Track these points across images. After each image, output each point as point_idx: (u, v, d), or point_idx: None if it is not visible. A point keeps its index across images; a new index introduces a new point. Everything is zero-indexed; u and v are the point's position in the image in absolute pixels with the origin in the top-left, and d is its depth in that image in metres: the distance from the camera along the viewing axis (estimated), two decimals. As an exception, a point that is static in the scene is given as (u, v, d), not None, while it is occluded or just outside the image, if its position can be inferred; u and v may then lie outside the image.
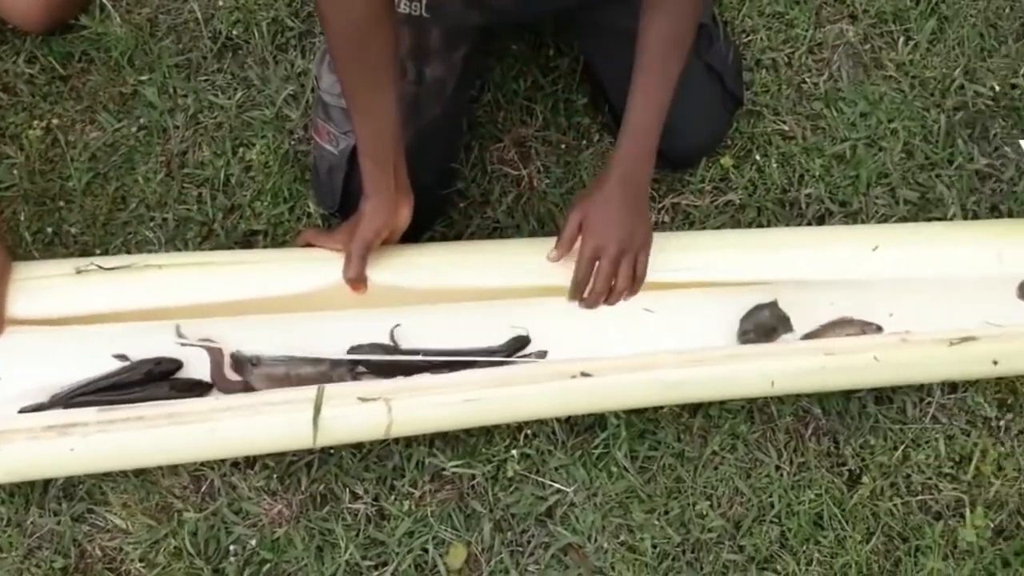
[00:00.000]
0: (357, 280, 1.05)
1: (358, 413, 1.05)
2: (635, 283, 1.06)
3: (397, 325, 1.11)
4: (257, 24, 1.29)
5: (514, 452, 1.15)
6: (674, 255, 1.13)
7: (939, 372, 1.16)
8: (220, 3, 1.29)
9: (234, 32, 1.29)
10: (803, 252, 1.15)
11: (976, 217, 1.30)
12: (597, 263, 1.03)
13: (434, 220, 1.23)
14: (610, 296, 1.05)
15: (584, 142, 1.29)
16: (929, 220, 1.28)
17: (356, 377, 1.10)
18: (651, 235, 1.06)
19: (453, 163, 1.24)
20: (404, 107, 1.07)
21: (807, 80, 1.34)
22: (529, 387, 1.07)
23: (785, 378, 1.11)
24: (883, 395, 1.21)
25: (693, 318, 1.15)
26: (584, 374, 1.08)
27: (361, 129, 1.00)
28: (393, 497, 1.14)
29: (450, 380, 1.06)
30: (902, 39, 1.37)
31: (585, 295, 1.06)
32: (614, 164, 1.03)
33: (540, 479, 1.15)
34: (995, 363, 1.14)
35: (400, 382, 1.07)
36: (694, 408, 1.18)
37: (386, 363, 1.10)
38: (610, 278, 1.04)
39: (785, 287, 1.14)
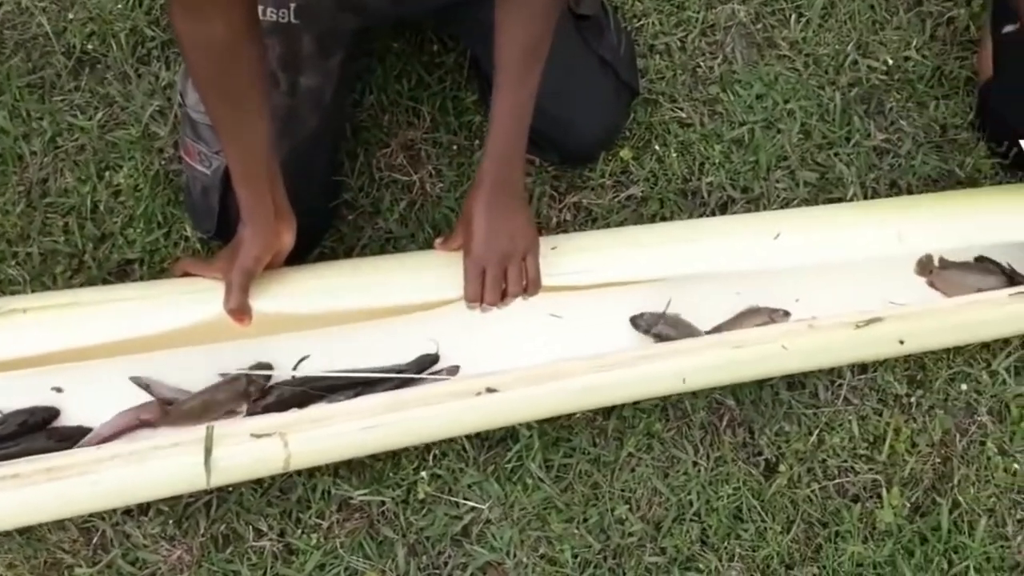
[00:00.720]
0: (239, 311, 0.98)
1: (253, 450, 0.99)
2: (530, 285, 1.02)
3: (306, 356, 1.07)
4: (115, 36, 1.19)
5: (424, 474, 1.10)
6: (575, 257, 1.09)
7: (847, 355, 1.15)
8: (72, 15, 1.19)
9: (90, 46, 1.19)
10: (705, 244, 1.12)
11: (876, 194, 1.29)
12: (483, 273, 1.00)
13: (322, 236, 1.16)
14: (503, 300, 1.02)
15: (477, 142, 1.23)
16: (829, 201, 1.27)
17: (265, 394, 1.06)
18: (535, 235, 1.03)
19: (337, 175, 1.17)
20: (278, 121, 1.00)
21: (701, 64, 1.31)
22: (432, 408, 1.02)
23: (696, 374, 1.09)
24: (795, 380, 1.20)
25: (601, 319, 1.13)
26: (490, 390, 1.04)
27: (231, 153, 0.93)
28: (300, 531, 1.08)
29: (347, 408, 1.01)
30: (794, 16, 1.35)
31: (480, 308, 1.03)
32: (483, 173, 0.99)
33: (453, 499, 1.10)
34: (901, 342, 1.14)
35: (295, 414, 1.01)
36: (608, 410, 1.15)
37: (294, 394, 1.06)
38: (499, 286, 1.00)
39: (689, 281, 1.12)
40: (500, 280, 1.00)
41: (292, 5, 1.02)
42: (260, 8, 0.96)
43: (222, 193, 1.05)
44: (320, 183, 1.12)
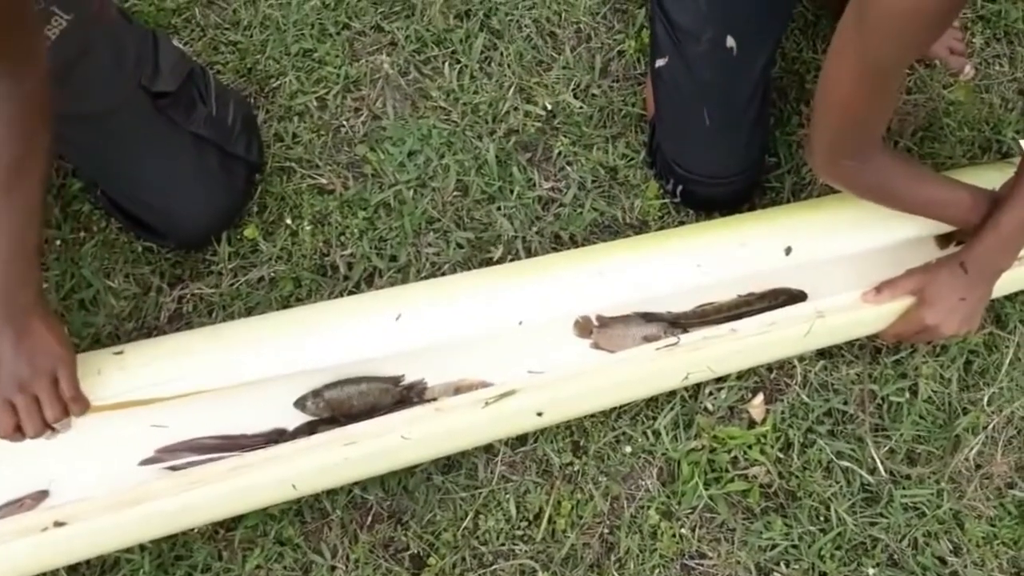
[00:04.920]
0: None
1: None
2: (70, 403, 0.93)
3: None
4: None
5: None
6: (164, 364, 0.99)
7: (480, 436, 1.07)
8: None
9: None
10: (325, 334, 1.04)
11: (539, 250, 1.22)
12: (12, 406, 0.91)
13: None
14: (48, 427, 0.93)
15: (83, 233, 1.13)
16: (485, 260, 1.19)
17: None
18: (62, 351, 0.92)
19: None
20: None
21: (345, 123, 1.22)
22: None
23: (307, 479, 1.00)
24: (452, 461, 1.12)
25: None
26: (58, 524, 0.94)
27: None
28: None
29: None
30: (448, 64, 1.27)
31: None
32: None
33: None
34: (539, 414, 1.07)
35: None
36: (235, 520, 1.06)
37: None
38: (36, 414, 0.91)
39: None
40: (34, 407, 0.89)
41: None
42: None
43: None
44: None
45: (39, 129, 0.87)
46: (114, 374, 0.97)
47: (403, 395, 1.08)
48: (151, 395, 0.98)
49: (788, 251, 1.12)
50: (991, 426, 1.18)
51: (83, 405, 0.92)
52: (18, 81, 0.84)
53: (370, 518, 1.09)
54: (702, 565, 1.11)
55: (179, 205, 1.05)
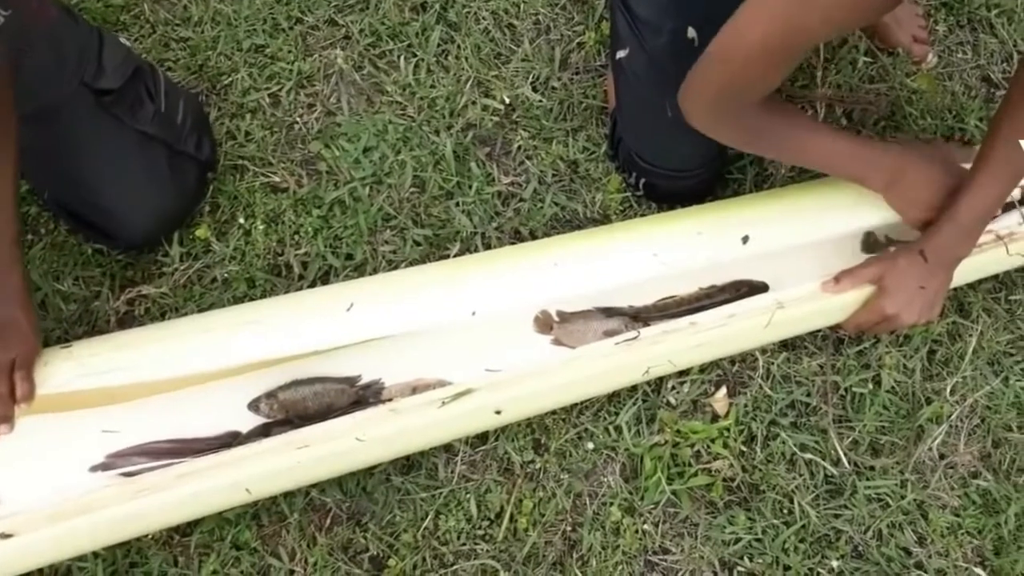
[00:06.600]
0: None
1: None
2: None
3: None
4: None
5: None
6: (113, 355, 0.98)
7: (437, 435, 1.05)
8: None
9: None
10: (276, 326, 1.02)
11: (498, 246, 1.20)
12: None
13: None
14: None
15: (31, 236, 1.10)
16: (442, 257, 1.18)
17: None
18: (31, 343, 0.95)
19: None
20: None
21: (299, 120, 1.20)
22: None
23: (261, 483, 0.98)
24: (412, 461, 1.11)
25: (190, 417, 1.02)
26: (4, 536, 0.92)
27: None
28: None
29: None
30: (403, 58, 1.25)
31: None
32: None
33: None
34: (498, 412, 1.05)
35: None
36: (191, 525, 1.04)
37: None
38: None
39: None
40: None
41: None
42: None
43: None
44: None
45: (7, 125, 0.90)
46: (61, 364, 0.96)
47: (359, 395, 1.06)
48: (99, 384, 0.96)
49: (746, 240, 1.11)
50: (955, 415, 1.18)
51: (29, 388, 0.92)
52: None
53: (328, 520, 1.07)
54: (665, 560, 1.10)
55: (126, 205, 1.03)
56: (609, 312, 1.15)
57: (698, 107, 0.99)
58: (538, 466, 1.12)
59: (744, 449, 1.14)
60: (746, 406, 1.16)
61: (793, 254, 1.15)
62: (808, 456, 1.14)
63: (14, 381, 0.92)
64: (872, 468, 1.15)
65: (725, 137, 1.04)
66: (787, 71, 0.92)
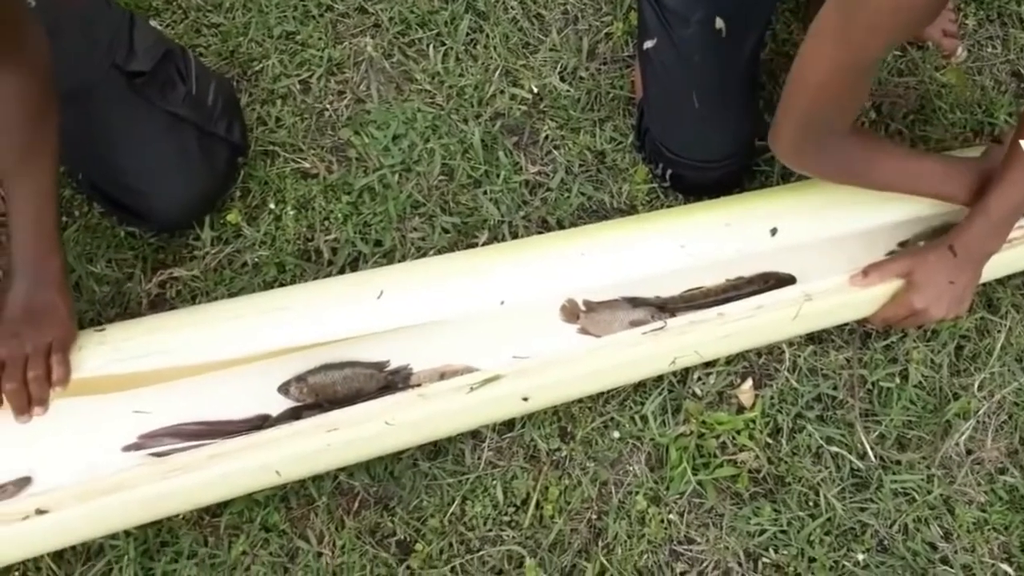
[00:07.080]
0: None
1: None
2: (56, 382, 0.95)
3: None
4: None
5: (-7, 607, 0.99)
6: (146, 339, 0.98)
7: (465, 421, 1.06)
8: None
9: None
10: (306, 313, 1.03)
11: (525, 235, 1.21)
12: None
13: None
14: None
15: (65, 218, 1.11)
16: (470, 245, 1.18)
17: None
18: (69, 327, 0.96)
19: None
20: None
21: (329, 107, 1.21)
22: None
23: (290, 465, 0.99)
24: (439, 447, 1.11)
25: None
26: (40, 511, 0.93)
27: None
28: None
29: None
30: (432, 46, 1.26)
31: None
32: None
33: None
34: (525, 399, 1.06)
35: None
36: (221, 506, 1.05)
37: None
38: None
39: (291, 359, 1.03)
40: (20, 361, 0.91)
41: None
42: None
43: None
44: None
45: (48, 110, 0.92)
46: (95, 348, 0.97)
47: (388, 380, 1.07)
48: (132, 368, 0.97)
49: (774, 232, 1.11)
50: (982, 411, 1.17)
51: (65, 372, 0.93)
52: (24, 65, 0.89)
53: (356, 504, 1.08)
54: (690, 551, 1.10)
55: (158, 186, 1.04)
56: (636, 302, 1.16)
57: (785, 144, 1.01)
58: (564, 454, 1.13)
59: (770, 441, 1.14)
60: (772, 398, 1.16)
61: (821, 247, 1.15)
62: (834, 449, 1.14)
63: (50, 364, 0.93)
64: (898, 462, 1.14)
65: (814, 170, 1.05)
66: (859, 95, 0.94)
